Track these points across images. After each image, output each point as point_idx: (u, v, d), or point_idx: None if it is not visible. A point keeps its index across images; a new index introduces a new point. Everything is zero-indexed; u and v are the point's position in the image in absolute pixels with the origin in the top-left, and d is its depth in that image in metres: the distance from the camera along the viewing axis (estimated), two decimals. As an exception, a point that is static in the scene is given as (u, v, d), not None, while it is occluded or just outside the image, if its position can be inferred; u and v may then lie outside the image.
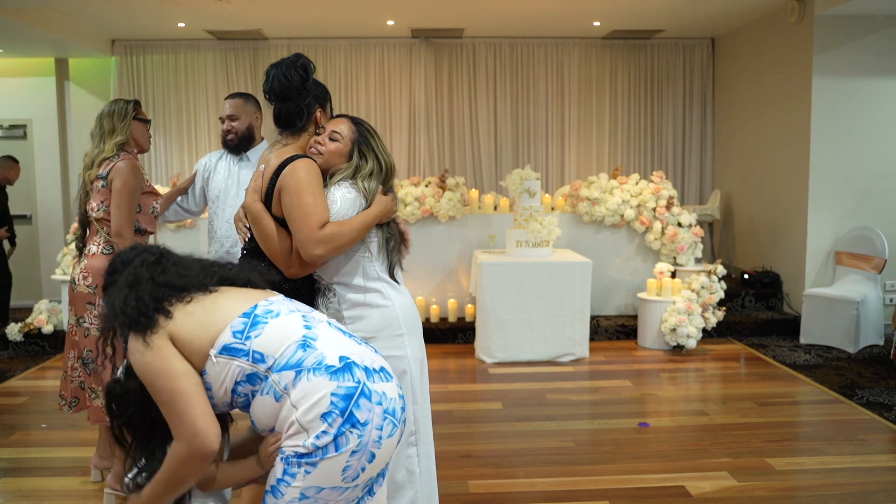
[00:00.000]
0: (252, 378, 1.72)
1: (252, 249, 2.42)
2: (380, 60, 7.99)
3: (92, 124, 3.28)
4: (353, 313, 2.39)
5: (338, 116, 2.49)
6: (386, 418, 1.73)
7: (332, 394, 1.68)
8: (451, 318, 6.14)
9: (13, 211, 6.81)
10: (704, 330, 5.71)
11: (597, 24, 7.30)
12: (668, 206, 6.20)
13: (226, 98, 3.67)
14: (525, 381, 5.00)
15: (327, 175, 2.42)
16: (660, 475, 3.46)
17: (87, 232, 3.28)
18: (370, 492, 1.81)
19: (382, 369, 1.81)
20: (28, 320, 5.99)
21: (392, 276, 2.47)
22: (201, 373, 1.73)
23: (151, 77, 7.88)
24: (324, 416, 1.66)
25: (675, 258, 6.22)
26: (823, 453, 3.69)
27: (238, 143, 3.61)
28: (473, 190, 6.61)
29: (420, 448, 2.49)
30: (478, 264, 5.53)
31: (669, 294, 5.74)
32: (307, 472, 1.66)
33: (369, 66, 7.98)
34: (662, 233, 6.17)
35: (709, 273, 5.82)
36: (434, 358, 5.36)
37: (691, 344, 5.53)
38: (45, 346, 5.95)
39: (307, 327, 1.78)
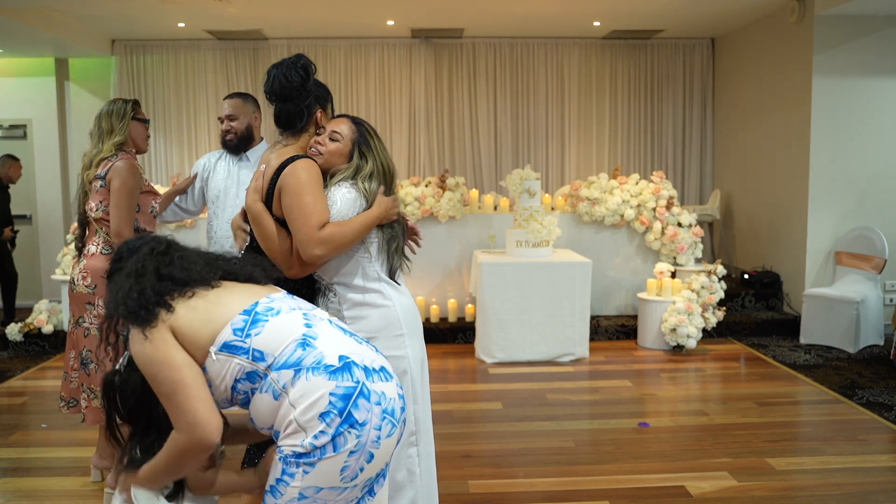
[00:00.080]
0: (252, 376, 1.71)
1: (252, 249, 2.42)
2: (380, 60, 7.99)
3: (91, 124, 3.28)
4: (353, 313, 2.39)
5: (338, 116, 2.48)
6: (385, 418, 1.73)
7: (331, 393, 1.67)
8: (451, 318, 6.14)
9: (13, 211, 6.80)
10: (704, 330, 5.71)
11: (597, 24, 7.30)
12: (668, 206, 6.20)
13: (225, 98, 3.67)
14: (525, 381, 5.00)
15: (328, 175, 2.42)
16: (660, 475, 3.45)
17: (87, 232, 3.28)
18: (370, 492, 1.80)
19: (382, 369, 1.80)
20: (28, 320, 5.98)
21: (392, 277, 2.47)
22: (201, 368, 1.72)
23: (151, 77, 7.88)
24: (322, 415, 1.66)
25: (675, 258, 6.22)
26: (823, 453, 3.69)
27: (237, 143, 3.61)
28: (473, 190, 6.61)
29: (420, 448, 2.49)
30: (478, 264, 5.53)
31: (669, 294, 5.74)
32: (305, 472, 1.66)
33: (369, 66, 7.98)
34: (662, 233, 6.17)
35: (709, 273, 5.82)
36: (434, 358, 5.36)
37: (691, 344, 5.53)
38: (45, 346, 5.96)
39: (307, 325, 1.77)
